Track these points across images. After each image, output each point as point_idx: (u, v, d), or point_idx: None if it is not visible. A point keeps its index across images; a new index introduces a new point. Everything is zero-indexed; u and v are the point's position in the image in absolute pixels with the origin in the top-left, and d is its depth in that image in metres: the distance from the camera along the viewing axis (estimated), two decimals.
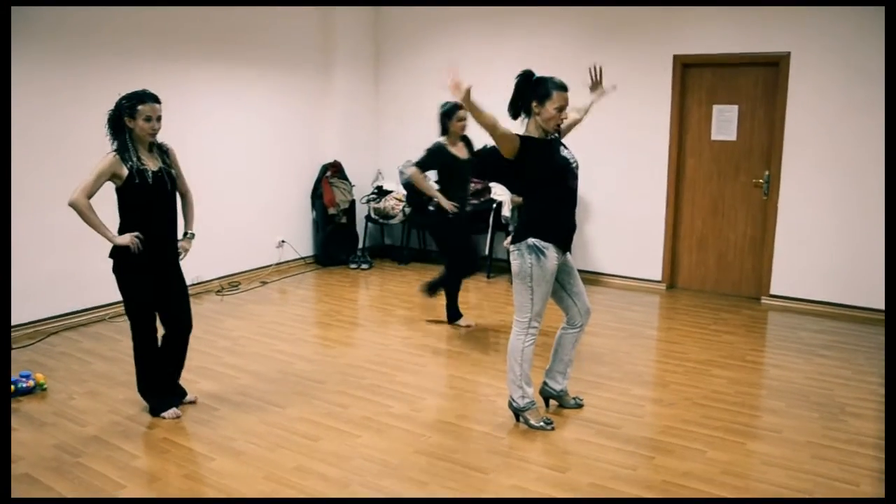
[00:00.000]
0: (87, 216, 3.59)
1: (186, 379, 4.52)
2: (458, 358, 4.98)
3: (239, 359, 4.91)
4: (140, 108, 3.61)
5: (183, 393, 4.15)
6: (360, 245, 7.99)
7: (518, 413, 3.83)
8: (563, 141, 3.82)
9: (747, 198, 6.40)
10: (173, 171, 3.86)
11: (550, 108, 3.51)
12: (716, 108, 6.41)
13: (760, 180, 6.28)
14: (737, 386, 4.43)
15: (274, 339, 5.34)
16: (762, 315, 6.01)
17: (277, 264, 7.44)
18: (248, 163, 7.02)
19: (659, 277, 6.79)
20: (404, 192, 7.69)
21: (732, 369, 4.72)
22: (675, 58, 6.41)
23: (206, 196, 6.55)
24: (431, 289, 5.64)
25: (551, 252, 3.60)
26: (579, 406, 4.08)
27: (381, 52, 8.10)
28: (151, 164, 3.73)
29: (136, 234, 3.67)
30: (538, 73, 3.62)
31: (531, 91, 3.56)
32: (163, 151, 3.86)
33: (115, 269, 3.78)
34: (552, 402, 4.10)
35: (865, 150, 5.72)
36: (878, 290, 5.76)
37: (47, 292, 5.42)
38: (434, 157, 5.29)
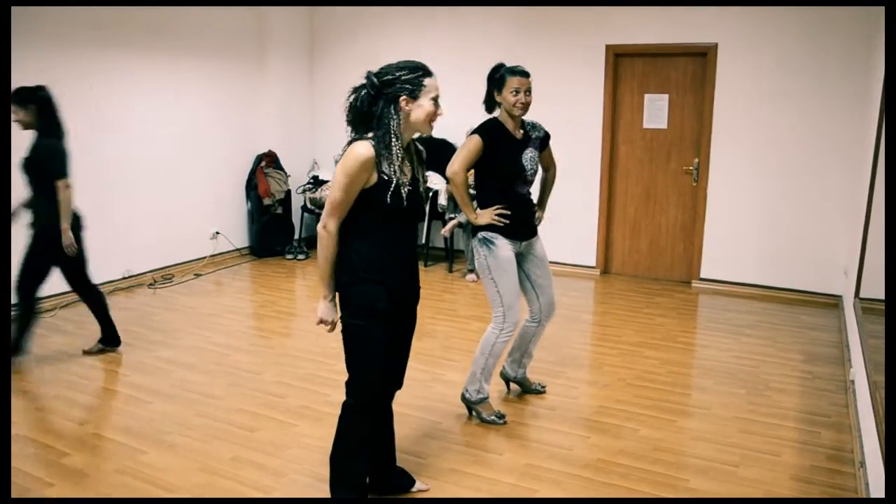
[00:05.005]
0: (327, 258, 2.60)
1: (117, 373, 4.44)
2: None
3: (173, 352, 4.80)
4: (428, 82, 2.53)
5: (409, 481, 3.09)
6: (297, 235, 7.91)
7: (470, 406, 3.80)
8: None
9: (678, 184, 6.56)
10: (422, 187, 2.70)
11: (507, 94, 3.53)
12: (647, 97, 6.55)
13: (690, 167, 6.45)
14: (668, 366, 4.56)
15: (209, 331, 5.24)
16: (693, 298, 6.19)
17: (212, 256, 7.30)
18: (181, 153, 6.86)
19: (593, 263, 6.91)
20: None
21: (664, 350, 4.85)
22: (608, 48, 6.52)
23: (137, 187, 6.43)
24: None
25: (501, 241, 3.60)
26: (539, 392, 4.11)
27: (316, 42, 8.01)
28: (406, 174, 2.59)
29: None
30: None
31: (490, 82, 3.60)
32: (420, 155, 2.72)
33: (350, 308, 2.64)
34: (513, 386, 4.14)
35: (789, 136, 5.94)
36: (800, 272, 6.01)
37: None
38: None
